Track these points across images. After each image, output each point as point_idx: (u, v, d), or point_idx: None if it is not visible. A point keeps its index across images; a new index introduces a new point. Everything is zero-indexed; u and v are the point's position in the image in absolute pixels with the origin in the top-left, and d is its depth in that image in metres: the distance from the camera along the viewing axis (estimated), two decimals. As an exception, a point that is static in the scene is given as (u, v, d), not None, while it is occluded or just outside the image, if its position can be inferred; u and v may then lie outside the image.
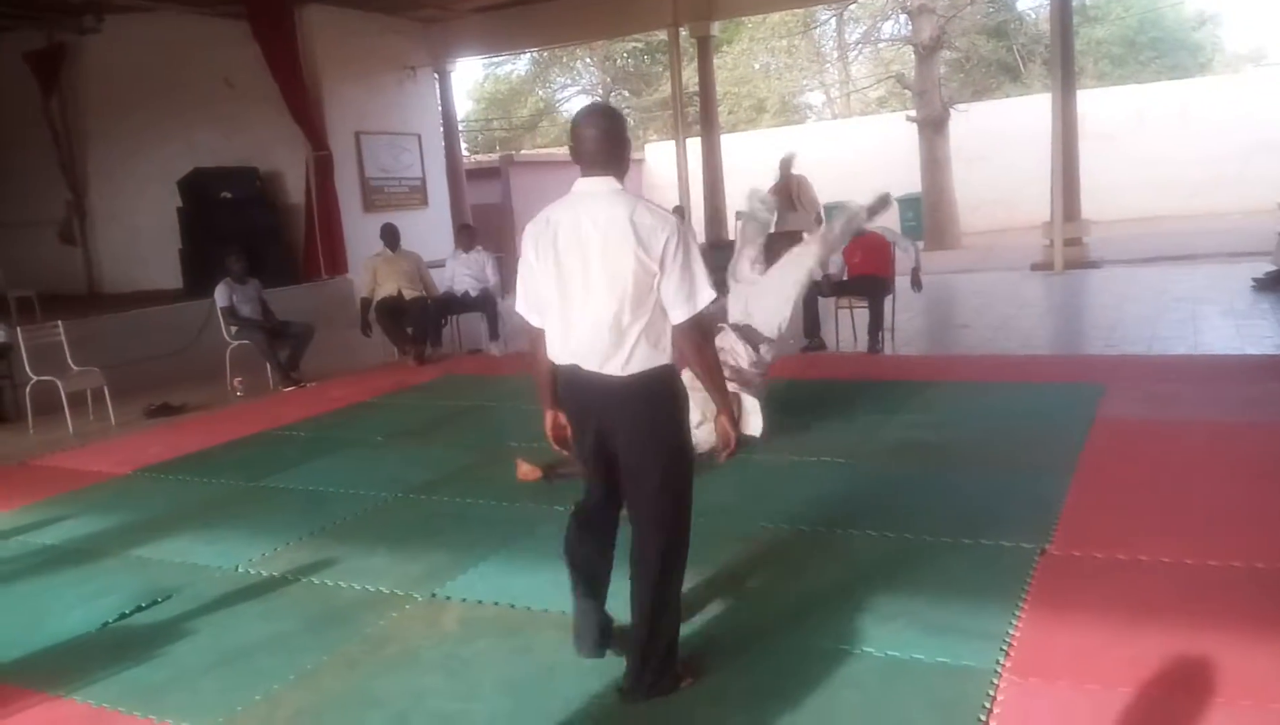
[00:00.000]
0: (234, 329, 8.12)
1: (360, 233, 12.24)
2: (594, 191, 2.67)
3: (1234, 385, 5.53)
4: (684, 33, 12.93)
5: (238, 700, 2.92)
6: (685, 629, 3.12)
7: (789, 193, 10.99)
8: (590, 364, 2.65)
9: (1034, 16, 25.11)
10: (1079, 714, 2.45)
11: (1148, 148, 17.43)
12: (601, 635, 2.89)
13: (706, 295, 2.62)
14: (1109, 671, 2.60)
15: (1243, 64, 27.85)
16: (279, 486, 5.22)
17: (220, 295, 8.09)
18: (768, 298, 5.53)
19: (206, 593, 3.78)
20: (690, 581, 3.47)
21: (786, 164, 11.28)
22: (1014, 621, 2.95)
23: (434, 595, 3.60)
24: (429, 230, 13.33)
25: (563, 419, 2.89)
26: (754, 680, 2.78)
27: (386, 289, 8.90)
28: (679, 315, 2.61)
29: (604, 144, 2.67)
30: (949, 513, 3.95)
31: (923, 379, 6.49)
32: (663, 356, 2.66)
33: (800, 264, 5.61)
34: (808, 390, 6.44)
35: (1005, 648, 2.80)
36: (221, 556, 4.15)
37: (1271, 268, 8.66)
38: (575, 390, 2.74)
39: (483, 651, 3.14)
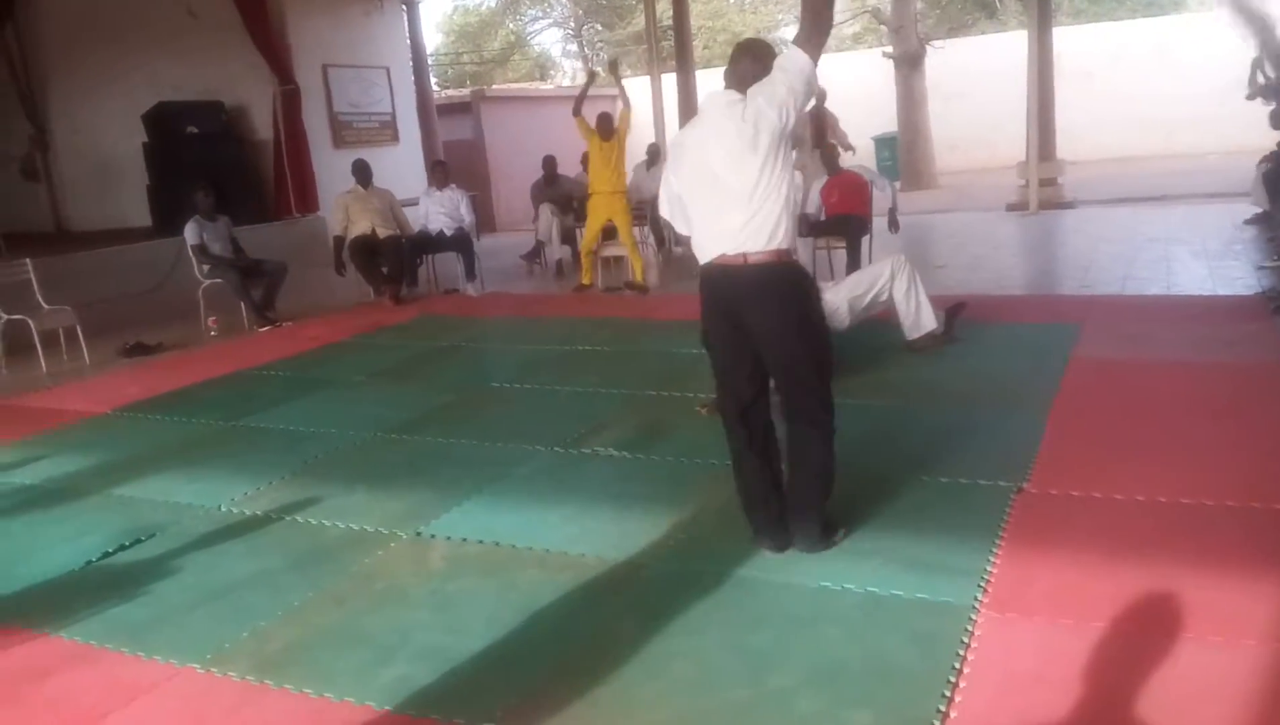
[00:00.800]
0: (206, 268, 8.00)
1: (330, 169, 12.01)
2: None
3: (1206, 325, 5.60)
4: (661, -35, 12.67)
5: (225, 637, 2.94)
6: (663, 567, 3.18)
7: (822, 124, 10.75)
8: None
9: (1014, -48, 24.82)
10: (1055, 647, 2.52)
11: (1125, 86, 17.39)
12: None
13: None
14: (1085, 607, 2.67)
15: (1216, 3, 27.70)
16: (259, 426, 5.20)
17: (190, 233, 7.95)
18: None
19: (190, 531, 3.79)
20: (663, 517, 3.55)
21: (821, 96, 11.00)
22: (991, 558, 3.02)
23: (419, 534, 3.62)
24: (400, 167, 13.11)
25: None
26: (737, 614, 2.83)
27: (360, 227, 8.78)
28: None
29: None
30: (926, 450, 4.00)
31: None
32: None
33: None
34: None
35: (983, 584, 2.87)
36: (204, 495, 4.15)
37: (1257, 209, 8.75)
38: None
39: (468, 588, 3.17)
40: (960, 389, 4.84)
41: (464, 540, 3.53)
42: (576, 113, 8.55)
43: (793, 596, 2.91)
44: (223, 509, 4.00)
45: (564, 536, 3.47)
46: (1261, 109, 9.24)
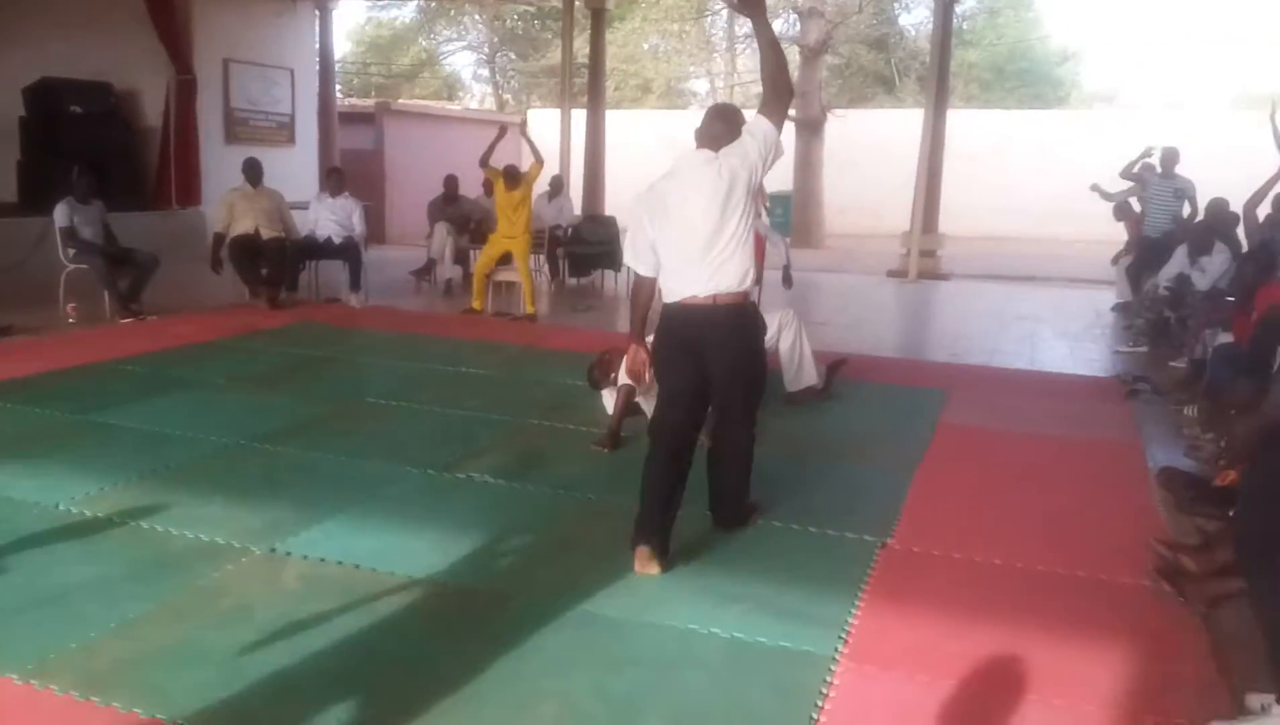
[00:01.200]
0: (72, 251, 7.54)
1: (219, 164, 11.61)
2: None
3: (1066, 403, 5.90)
4: (579, 3, 12.78)
5: (51, 646, 2.72)
6: (531, 601, 3.12)
7: None
8: None
9: (914, 33, 26.10)
10: (910, 702, 2.56)
11: (1006, 173, 18.37)
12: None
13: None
14: (939, 664, 2.73)
15: (1096, 101, 29.71)
16: (110, 422, 4.89)
17: (60, 214, 7.50)
18: None
19: (22, 529, 3.51)
20: (534, 549, 3.49)
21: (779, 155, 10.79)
22: (853, 610, 3.07)
23: (274, 550, 3.45)
24: (294, 170, 12.76)
25: None
26: (604, 655, 2.78)
27: (243, 226, 8.47)
28: None
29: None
30: (797, 501, 4.05)
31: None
32: None
33: None
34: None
35: (844, 635, 2.90)
36: (41, 492, 3.86)
37: (1119, 299, 9.33)
38: None
39: (321, 612, 3.02)
40: (833, 443, 4.94)
41: (322, 560, 3.38)
42: (484, 164, 8.75)
43: (659, 639, 2.88)
44: (61, 508, 3.74)
45: (429, 563, 3.36)
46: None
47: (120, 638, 2.81)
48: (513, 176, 8.58)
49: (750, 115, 3.36)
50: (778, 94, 3.33)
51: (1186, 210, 8.91)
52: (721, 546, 3.58)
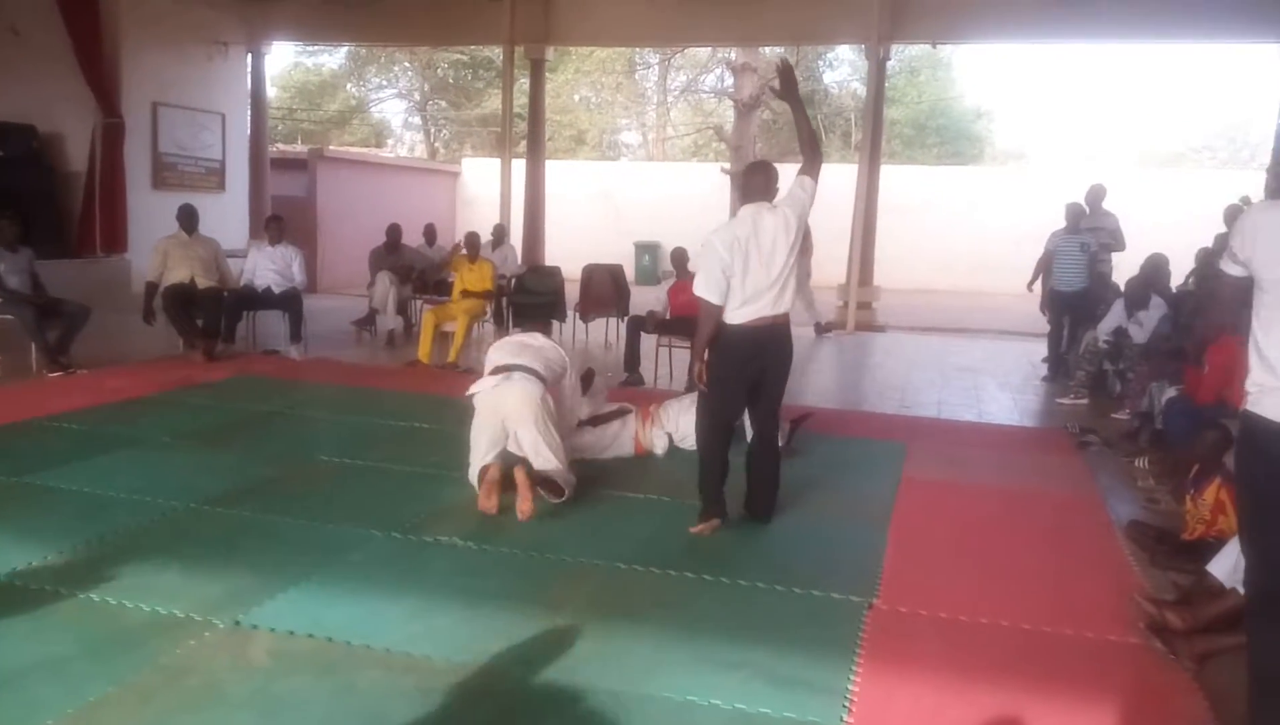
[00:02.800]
0: (-3, 301, 7.18)
1: (146, 210, 11.30)
2: None
3: (1019, 454, 5.99)
4: (518, 52, 12.82)
5: (4, 738, 2.50)
6: (521, 675, 2.99)
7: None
8: None
9: (837, 90, 26.89)
10: (923, 773, 2.50)
11: (934, 226, 18.89)
12: None
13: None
14: (947, 730, 2.69)
15: (1009, 158, 30.90)
16: (48, 485, 4.60)
17: (-16, 263, 7.14)
18: None
19: (-41, 606, 3.26)
20: (516, 617, 3.36)
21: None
22: (852, 676, 3.01)
23: (238, 623, 3.25)
24: (224, 216, 12.48)
25: None
26: (602, 730, 2.67)
27: (177, 275, 8.18)
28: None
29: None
30: (776, 560, 4.01)
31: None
32: None
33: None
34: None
35: (847, 704, 2.84)
36: (-23, 563, 3.60)
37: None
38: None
39: (298, 689, 2.86)
40: (804, 500, 4.89)
41: (291, 633, 3.20)
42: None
43: (661, 712, 2.78)
44: (1, 581, 3.48)
45: (406, 634, 3.20)
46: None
47: (81, 724, 2.60)
48: (474, 247, 9.15)
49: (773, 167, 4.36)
50: (815, 156, 4.33)
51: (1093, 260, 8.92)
52: (709, 609, 3.50)
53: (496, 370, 4.81)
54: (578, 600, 3.52)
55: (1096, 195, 9.47)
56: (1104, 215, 9.41)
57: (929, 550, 4.20)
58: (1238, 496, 2.59)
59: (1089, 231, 8.94)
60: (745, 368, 4.21)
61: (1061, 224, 9.04)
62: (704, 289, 4.13)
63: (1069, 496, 5.10)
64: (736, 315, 4.14)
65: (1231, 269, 2.51)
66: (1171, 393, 5.63)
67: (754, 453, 4.43)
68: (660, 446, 5.50)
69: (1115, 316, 7.51)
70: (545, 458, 4.56)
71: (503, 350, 4.97)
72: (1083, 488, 5.27)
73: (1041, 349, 9.99)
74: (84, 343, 7.62)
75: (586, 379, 5.67)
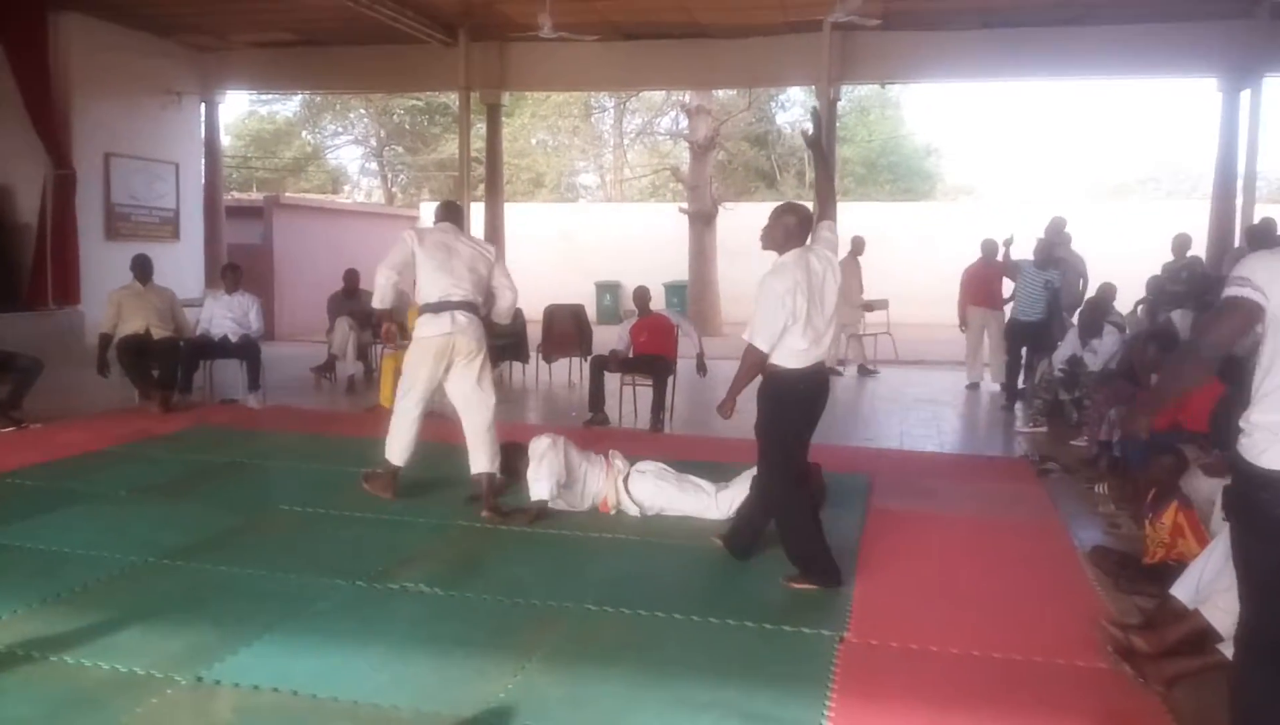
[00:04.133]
0: (-56, 357, 7.03)
1: (99, 261, 11.15)
2: None
3: (983, 482, 6.06)
4: (474, 97, 12.90)
5: (-43, 808, 2.41)
6: (504, 722, 2.95)
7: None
8: None
9: (790, 130, 27.31)
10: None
11: (888, 261, 19.15)
12: None
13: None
14: (923, 762, 2.69)
15: (959, 194, 31.54)
16: (1, 543, 4.48)
17: (-69, 317, 7.00)
18: None
19: (-91, 671, 3.15)
20: (486, 664, 3.32)
21: (989, 247, 10.12)
22: (826, 712, 3.00)
23: (200, 679, 3.18)
24: (180, 266, 12.35)
25: None
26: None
27: (132, 325, 8.05)
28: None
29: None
30: (745, 596, 4.01)
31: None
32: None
33: None
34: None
35: (823, 738, 2.84)
36: (-72, 626, 3.49)
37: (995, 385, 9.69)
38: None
39: (265, 745, 2.79)
40: (773, 533, 4.90)
41: (256, 688, 3.13)
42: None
43: (636, 754, 2.75)
44: (-47, 643, 3.38)
45: (375, 685, 3.15)
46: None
47: (38, 791, 2.52)
48: None
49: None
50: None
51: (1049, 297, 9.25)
52: (679, 649, 3.48)
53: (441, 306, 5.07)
54: (547, 644, 3.49)
55: (1056, 228, 9.68)
56: (1049, 271, 9.52)
57: (897, 581, 4.22)
58: (1242, 544, 2.48)
59: (1054, 269, 9.14)
60: (810, 412, 4.18)
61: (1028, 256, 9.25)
62: (762, 338, 4.01)
63: (1032, 524, 5.16)
64: (798, 359, 4.05)
65: (1246, 291, 2.36)
66: (1127, 419, 5.73)
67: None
68: (631, 512, 5.13)
69: (1069, 345, 7.66)
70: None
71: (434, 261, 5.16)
72: (1045, 515, 5.33)
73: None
74: (37, 397, 7.46)
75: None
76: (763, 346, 4.02)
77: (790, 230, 4.14)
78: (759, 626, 3.67)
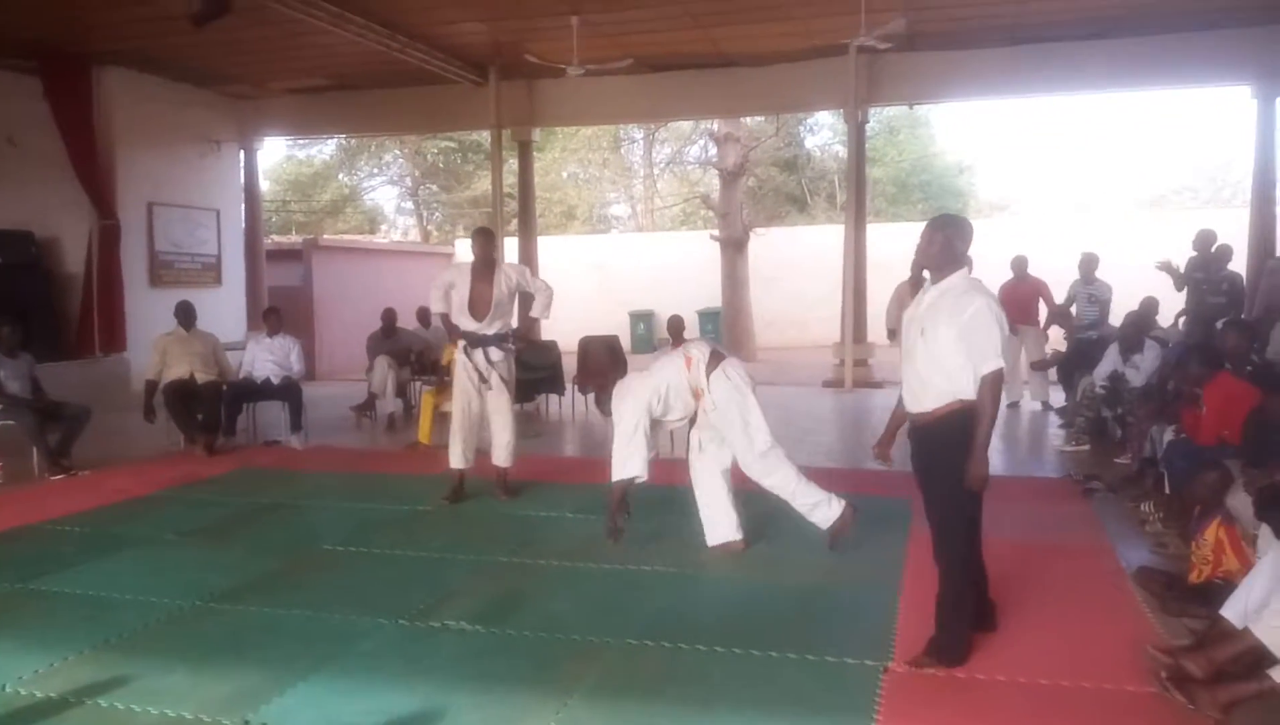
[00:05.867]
0: (-2, 407, 7.21)
1: (144, 308, 11.41)
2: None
3: (1026, 504, 5.96)
4: (505, 135, 13.08)
5: None
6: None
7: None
8: None
9: (819, 154, 27.34)
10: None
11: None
12: None
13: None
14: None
15: (994, 211, 31.28)
16: (53, 590, 4.58)
17: (-15, 370, 7.19)
18: None
19: (-33, 719, 3.23)
20: (532, 702, 3.32)
21: (1021, 264, 10.05)
22: (871, 742, 2.97)
23: (247, 722, 3.22)
24: (221, 310, 12.60)
25: None
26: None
27: (177, 371, 8.23)
28: None
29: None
30: (787, 626, 3.98)
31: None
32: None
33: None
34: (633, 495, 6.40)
35: (868, 770, 2.81)
36: (-15, 674, 3.57)
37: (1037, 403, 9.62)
38: None
39: (312, 787, 2.82)
40: (810, 559, 4.89)
41: (304, 729, 3.17)
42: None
43: (680, 790, 2.74)
44: (8, 689, 3.45)
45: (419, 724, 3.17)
46: None
47: (93, 838, 2.56)
48: None
49: None
50: None
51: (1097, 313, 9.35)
52: (722, 682, 3.46)
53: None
54: (589, 679, 3.49)
55: (1088, 264, 9.62)
56: (1094, 285, 9.54)
57: (941, 608, 4.16)
58: None
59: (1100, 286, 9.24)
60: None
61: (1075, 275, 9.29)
62: (998, 358, 3.41)
63: (1078, 545, 5.08)
64: (934, 401, 3.53)
65: None
66: (1172, 435, 5.64)
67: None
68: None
69: (1110, 361, 7.55)
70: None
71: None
72: (1091, 535, 5.25)
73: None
74: (85, 443, 7.63)
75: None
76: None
77: (958, 251, 3.65)
78: (801, 658, 3.64)
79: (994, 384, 3.40)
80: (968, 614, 3.58)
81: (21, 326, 7.64)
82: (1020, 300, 9.89)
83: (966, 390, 3.41)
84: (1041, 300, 9.98)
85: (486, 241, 6.34)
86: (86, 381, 9.86)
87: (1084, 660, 3.55)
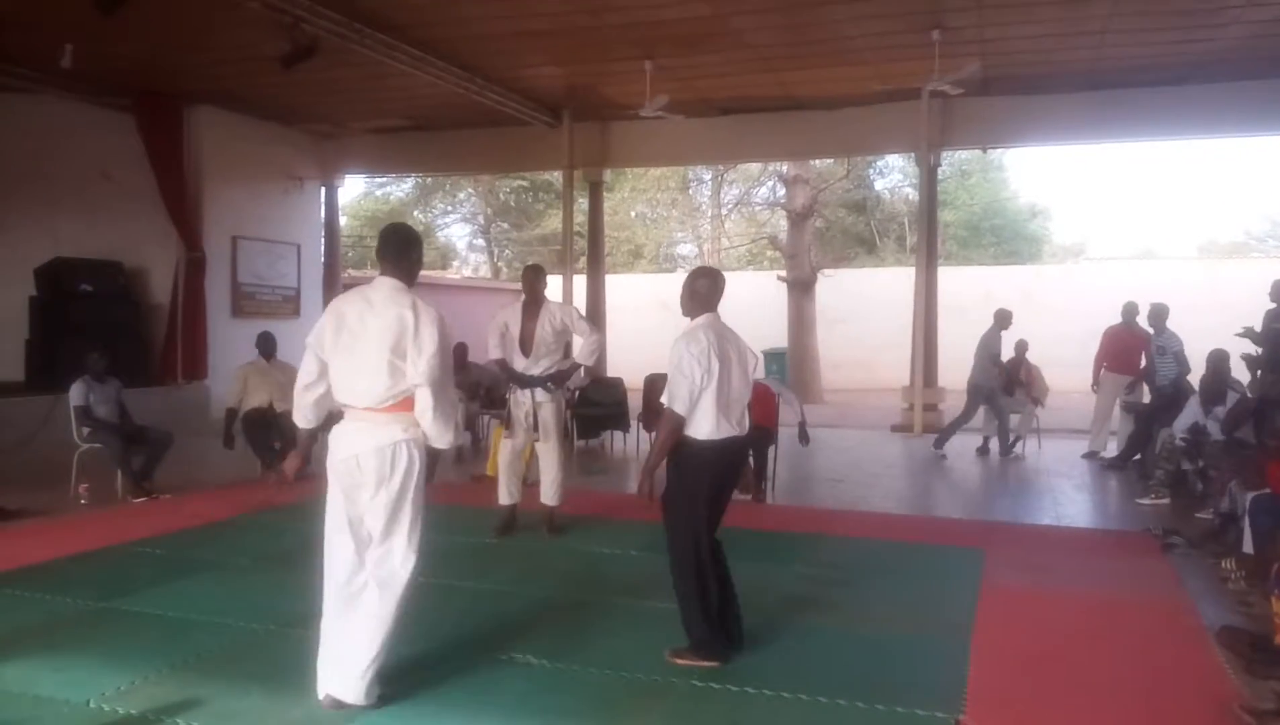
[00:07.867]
0: (86, 431, 7.49)
1: (225, 338, 11.78)
2: None
3: (1103, 558, 5.82)
4: (577, 175, 13.31)
5: None
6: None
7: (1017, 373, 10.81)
8: None
9: (889, 196, 27.20)
10: None
11: (986, 324, 18.72)
12: None
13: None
14: None
15: (1068, 256, 30.72)
16: (133, 610, 4.73)
17: (76, 393, 7.48)
18: None
19: (53, 732, 3.34)
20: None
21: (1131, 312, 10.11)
22: (942, 796, 2.91)
23: (320, 746, 3.28)
24: (299, 341, 12.71)
25: None
26: None
27: (256, 399, 8.47)
28: None
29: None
30: (856, 674, 3.92)
31: (806, 531, 6.58)
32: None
33: None
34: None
35: (940, 825, 2.75)
36: (70, 687, 3.69)
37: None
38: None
39: (383, 813, 2.86)
40: (879, 607, 4.83)
41: (371, 756, 3.21)
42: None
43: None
44: (92, 705, 3.56)
45: (486, 756, 3.19)
46: None
47: None
48: None
49: None
50: None
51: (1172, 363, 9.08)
52: (788, 727, 3.43)
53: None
54: (652, 719, 3.48)
55: (1159, 316, 9.38)
56: (1164, 335, 9.28)
57: (1014, 661, 4.08)
58: None
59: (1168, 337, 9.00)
60: (713, 484, 4.14)
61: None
62: (686, 405, 4.00)
63: (1157, 602, 4.93)
64: (714, 431, 4.06)
65: None
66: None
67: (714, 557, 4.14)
68: None
69: (1191, 413, 7.34)
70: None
71: None
72: (1171, 592, 5.09)
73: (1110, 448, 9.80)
74: (166, 468, 7.89)
75: None
76: (679, 409, 3.95)
77: (698, 294, 4.34)
78: (870, 707, 3.58)
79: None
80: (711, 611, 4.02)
81: (110, 353, 7.95)
82: (1124, 348, 9.72)
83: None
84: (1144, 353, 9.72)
85: (535, 278, 6.42)
86: (169, 407, 10.19)
87: (1163, 721, 3.45)
